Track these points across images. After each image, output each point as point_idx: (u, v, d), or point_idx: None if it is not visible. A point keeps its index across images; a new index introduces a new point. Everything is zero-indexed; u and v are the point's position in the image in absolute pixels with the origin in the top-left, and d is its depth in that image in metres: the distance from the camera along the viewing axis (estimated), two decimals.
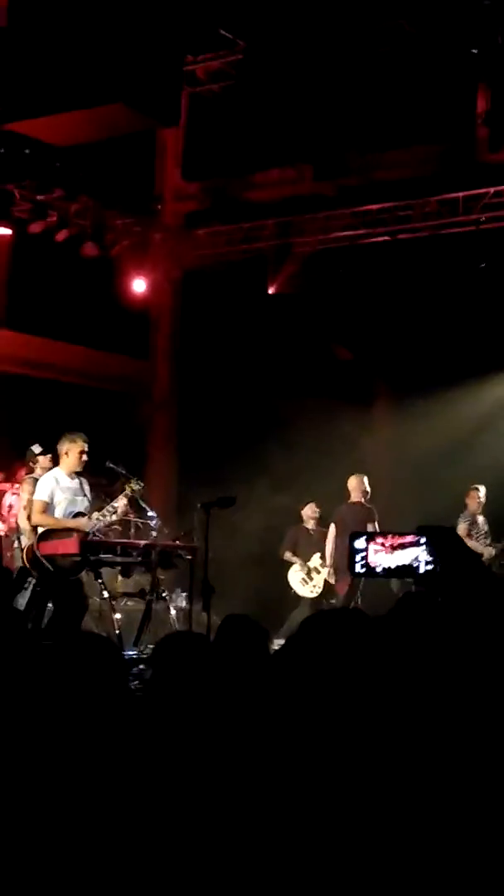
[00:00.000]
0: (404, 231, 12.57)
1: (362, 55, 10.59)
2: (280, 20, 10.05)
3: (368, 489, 12.04)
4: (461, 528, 12.01)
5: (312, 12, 9.91)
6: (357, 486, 12.01)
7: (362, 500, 11.99)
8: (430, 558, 5.48)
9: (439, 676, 3.16)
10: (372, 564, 6.10)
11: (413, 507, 13.39)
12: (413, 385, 14.03)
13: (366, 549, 6.08)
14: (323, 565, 12.38)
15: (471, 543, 11.97)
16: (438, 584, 3.98)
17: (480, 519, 12.19)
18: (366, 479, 12.10)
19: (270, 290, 13.63)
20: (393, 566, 6.31)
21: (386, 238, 12.69)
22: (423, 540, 5.78)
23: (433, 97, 12.00)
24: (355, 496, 12.00)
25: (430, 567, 5.54)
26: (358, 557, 5.85)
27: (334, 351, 14.30)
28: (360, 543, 6.05)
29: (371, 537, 5.84)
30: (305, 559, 12.53)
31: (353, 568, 5.74)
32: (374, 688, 3.14)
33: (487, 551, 12.02)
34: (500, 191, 11.98)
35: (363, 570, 6.06)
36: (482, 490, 12.21)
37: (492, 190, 11.97)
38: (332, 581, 12.05)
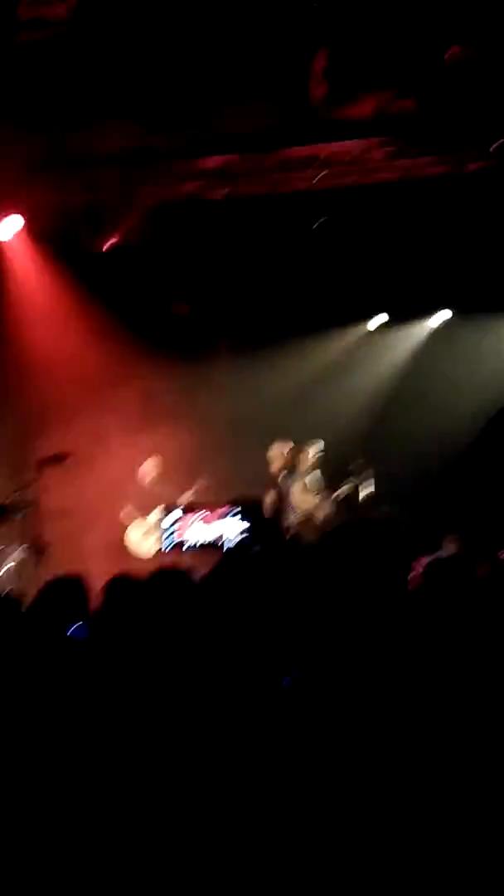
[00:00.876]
0: (243, 186, 12.57)
1: (199, 8, 10.51)
2: None
3: (283, 458, 12.27)
4: (297, 486, 12.21)
5: None
6: (272, 457, 12.30)
7: (274, 469, 12.23)
8: (242, 529, 5.56)
9: (251, 636, 3.22)
10: (181, 539, 6.16)
11: (254, 461, 13.55)
12: (254, 340, 14.15)
13: (179, 522, 6.11)
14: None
15: (307, 498, 12.19)
16: (247, 554, 4.05)
17: (316, 475, 12.39)
18: (285, 448, 12.36)
19: (111, 242, 13.50)
20: (204, 540, 6.39)
21: (225, 192, 12.68)
22: (235, 511, 5.86)
23: (272, 51, 11.99)
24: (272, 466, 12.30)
25: (241, 538, 5.64)
26: (166, 533, 5.89)
27: (173, 305, 14.28)
28: (172, 518, 6.10)
29: (189, 509, 5.89)
30: (146, 514, 12.55)
31: (162, 544, 5.78)
32: (190, 650, 3.19)
33: (323, 508, 12.24)
34: (335, 149, 12.07)
35: (169, 546, 6.11)
36: (311, 446, 12.40)
37: (328, 148, 12.05)
38: None
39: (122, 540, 12.48)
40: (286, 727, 2.80)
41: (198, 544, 5.70)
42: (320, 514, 12.18)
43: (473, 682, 3.41)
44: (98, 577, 4.91)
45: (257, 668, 3.12)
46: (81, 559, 11.63)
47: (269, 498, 11.94)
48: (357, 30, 11.45)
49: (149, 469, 12.75)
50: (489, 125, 11.18)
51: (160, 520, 12.38)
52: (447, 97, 11.25)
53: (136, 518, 12.44)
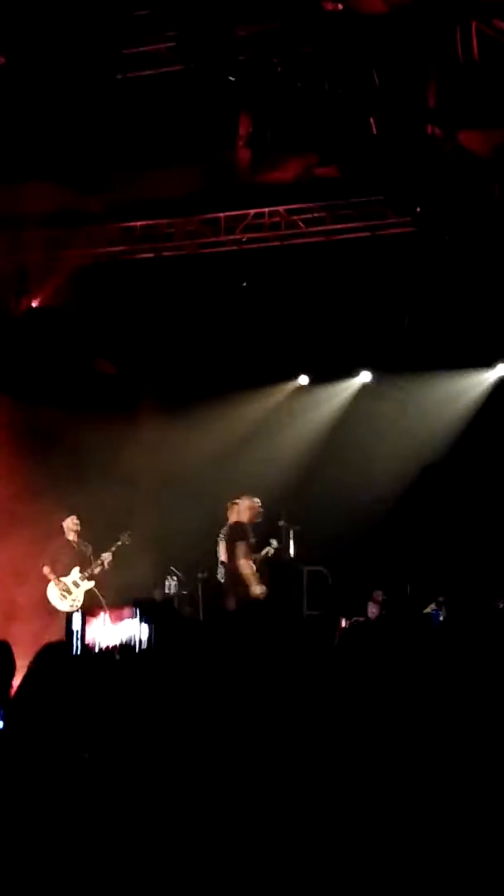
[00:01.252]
0: (168, 248, 12.73)
1: (125, 75, 10.67)
2: (42, 38, 10.03)
3: (254, 510, 12.19)
4: (223, 546, 12.20)
5: (75, 32, 9.94)
6: (242, 507, 12.19)
7: (244, 520, 12.12)
8: (146, 631, 5.51)
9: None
10: (91, 644, 6.10)
11: (180, 517, 13.59)
12: (179, 398, 14.22)
13: (83, 627, 6.06)
14: (83, 578, 12.45)
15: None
16: (148, 659, 4.07)
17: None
18: (255, 501, 12.26)
19: (34, 303, 13.55)
20: (112, 643, 6.34)
21: (150, 255, 12.82)
22: (138, 613, 5.82)
23: (197, 118, 12.20)
24: (240, 516, 12.20)
25: (145, 640, 5.59)
26: (75, 638, 5.79)
27: (98, 365, 14.35)
28: (76, 622, 6.05)
29: (89, 613, 5.85)
30: (65, 573, 12.54)
31: (70, 650, 5.67)
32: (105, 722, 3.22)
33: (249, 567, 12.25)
34: (260, 212, 12.29)
35: (80, 650, 6.03)
36: (244, 502, 12.43)
37: (252, 211, 12.26)
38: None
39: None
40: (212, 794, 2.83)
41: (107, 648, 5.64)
42: (246, 574, 12.20)
43: (393, 738, 3.48)
44: (27, 635, 4.92)
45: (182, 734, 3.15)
46: (12, 617, 11.59)
47: (242, 549, 11.96)
48: (280, 96, 11.70)
49: (68, 526, 12.78)
50: (410, 191, 11.43)
51: (81, 577, 12.42)
52: (369, 163, 11.51)
53: (53, 577, 12.49)
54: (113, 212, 12.65)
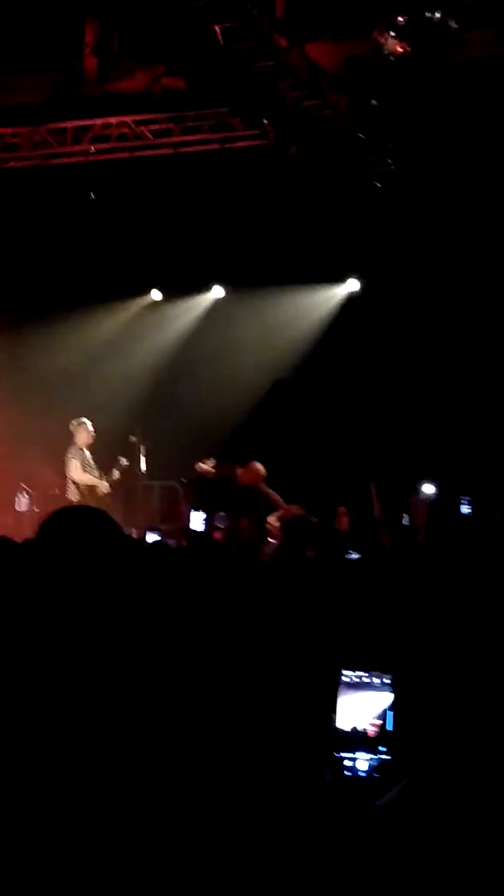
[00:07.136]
0: (14, 158, 12.42)
1: None
2: None
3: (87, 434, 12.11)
4: (74, 465, 12.09)
5: None
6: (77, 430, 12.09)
7: (80, 443, 12.05)
8: None
9: None
10: None
11: (31, 434, 13.46)
12: (29, 313, 13.99)
13: None
14: None
15: (87, 478, 12.14)
16: None
17: (87, 453, 12.30)
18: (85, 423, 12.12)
19: None
20: None
21: None
22: None
23: (44, 24, 11.86)
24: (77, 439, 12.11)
25: None
26: None
27: None
28: None
29: None
30: None
31: None
32: None
33: (103, 484, 12.22)
34: (107, 122, 12.06)
35: None
36: (89, 423, 12.29)
37: (99, 121, 12.03)
38: None
39: None
40: None
41: None
42: (102, 492, 12.14)
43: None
44: None
45: None
46: None
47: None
48: (125, 3, 11.45)
49: None
50: (257, 102, 11.33)
51: None
52: (215, 74, 11.35)
53: None
54: None
